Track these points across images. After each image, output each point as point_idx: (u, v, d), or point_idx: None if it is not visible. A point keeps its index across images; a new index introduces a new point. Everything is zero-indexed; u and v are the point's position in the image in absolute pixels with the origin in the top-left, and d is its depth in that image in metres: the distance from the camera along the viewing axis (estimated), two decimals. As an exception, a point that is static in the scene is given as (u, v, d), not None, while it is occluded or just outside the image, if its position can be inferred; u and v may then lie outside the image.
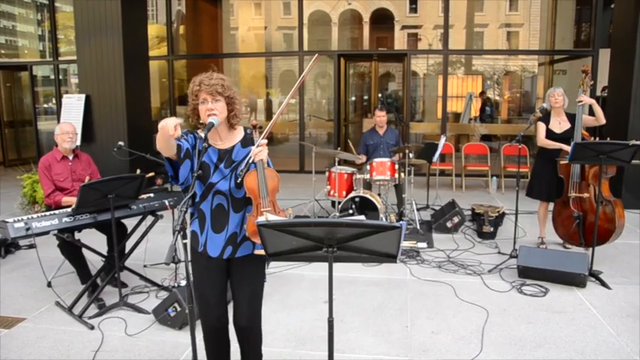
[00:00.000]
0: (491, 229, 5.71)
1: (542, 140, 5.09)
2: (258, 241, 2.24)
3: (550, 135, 5.03)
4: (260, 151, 2.25)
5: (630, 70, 6.99)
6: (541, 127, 5.09)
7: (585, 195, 4.86)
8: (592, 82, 5.02)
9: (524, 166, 8.28)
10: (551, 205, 5.25)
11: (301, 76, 2.71)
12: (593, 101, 4.83)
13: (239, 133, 2.44)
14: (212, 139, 2.37)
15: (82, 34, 7.99)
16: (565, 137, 4.93)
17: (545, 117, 5.12)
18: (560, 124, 5.02)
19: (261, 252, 1.96)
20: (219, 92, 2.26)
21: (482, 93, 11.72)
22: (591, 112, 4.92)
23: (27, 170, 7.16)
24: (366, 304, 4.04)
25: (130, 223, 4.34)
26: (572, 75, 10.57)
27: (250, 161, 2.31)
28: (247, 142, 2.42)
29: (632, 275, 4.59)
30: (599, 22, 9.51)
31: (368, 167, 6.15)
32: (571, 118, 4.98)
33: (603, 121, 4.88)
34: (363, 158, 6.52)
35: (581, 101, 4.82)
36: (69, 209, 3.84)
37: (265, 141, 2.29)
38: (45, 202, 4.36)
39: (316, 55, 3.02)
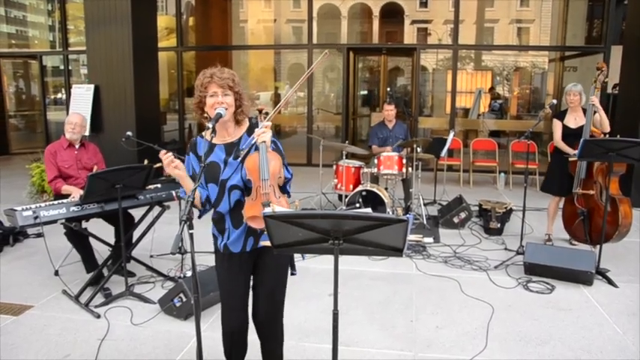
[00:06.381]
0: (498, 225, 5.69)
1: (557, 141, 5.06)
2: (255, 225, 2.23)
3: (565, 130, 4.99)
4: (263, 132, 2.18)
5: (642, 67, 6.91)
6: (557, 125, 5.04)
7: (591, 192, 4.82)
8: (606, 80, 4.93)
9: (532, 163, 8.23)
10: (562, 203, 5.21)
11: (308, 70, 2.68)
12: (601, 109, 4.77)
13: (245, 126, 2.42)
14: (220, 136, 2.34)
15: (92, 25, 8.00)
16: (579, 133, 4.83)
17: (562, 112, 5.08)
18: (575, 120, 4.97)
19: (267, 243, 1.95)
20: (230, 87, 2.27)
21: (492, 89, 11.64)
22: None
23: (36, 159, 7.20)
24: (371, 298, 4.04)
25: (137, 213, 4.36)
26: (583, 72, 10.46)
27: (253, 142, 2.27)
28: (253, 129, 2.35)
29: (639, 274, 4.55)
30: (612, 18, 9.38)
31: (375, 161, 6.13)
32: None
33: (607, 128, 4.81)
34: (377, 149, 6.47)
35: (593, 103, 4.72)
36: (72, 198, 3.86)
37: (269, 123, 2.25)
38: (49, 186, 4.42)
39: (326, 51, 2.94)
